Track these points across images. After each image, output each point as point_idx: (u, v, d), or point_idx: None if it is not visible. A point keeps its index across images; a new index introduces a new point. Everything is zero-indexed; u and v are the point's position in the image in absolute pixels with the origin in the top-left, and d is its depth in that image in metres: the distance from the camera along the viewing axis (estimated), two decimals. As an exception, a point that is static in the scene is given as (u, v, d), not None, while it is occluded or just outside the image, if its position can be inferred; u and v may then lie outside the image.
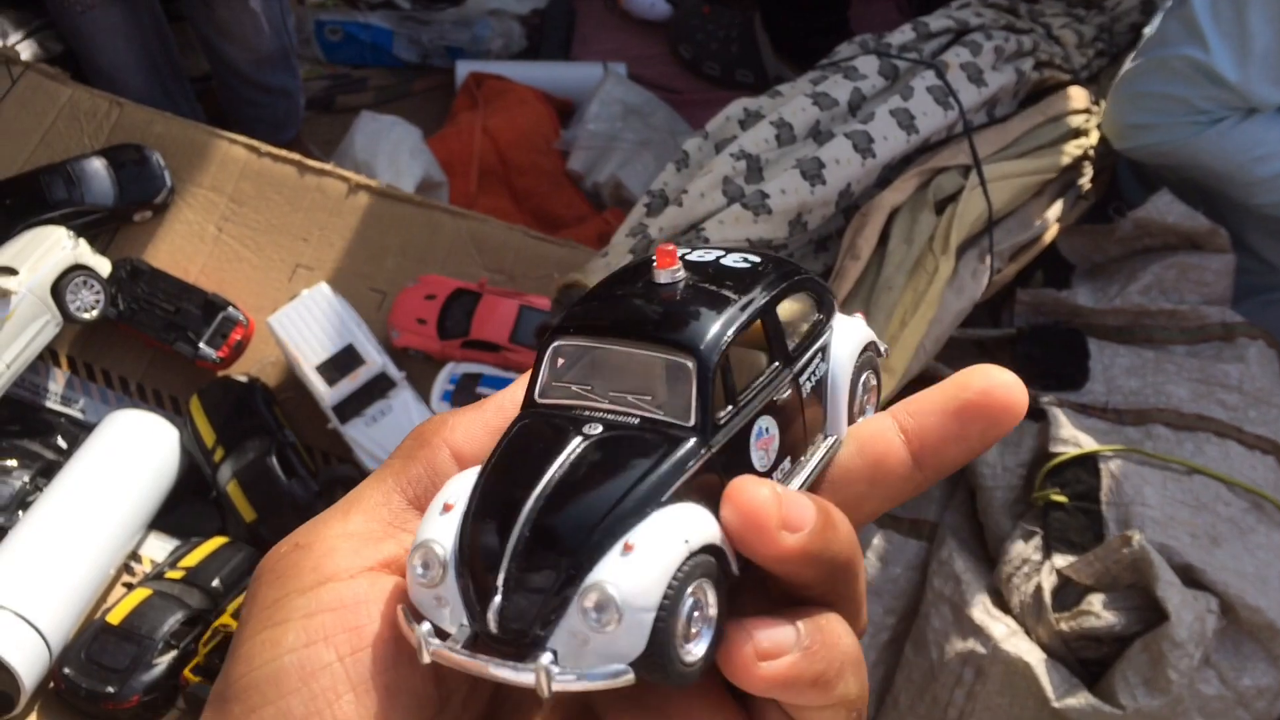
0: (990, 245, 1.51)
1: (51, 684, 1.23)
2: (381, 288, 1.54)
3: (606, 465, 0.33)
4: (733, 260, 0.39)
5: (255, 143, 1.62)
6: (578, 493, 0.33)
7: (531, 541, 0.32)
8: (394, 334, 1.50)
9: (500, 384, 1.45)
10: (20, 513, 1.33)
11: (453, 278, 1.52)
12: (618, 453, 0.34)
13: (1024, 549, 1.37)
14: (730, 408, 0.35)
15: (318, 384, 1.41)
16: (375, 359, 1.42)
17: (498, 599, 0.32)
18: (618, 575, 0.31)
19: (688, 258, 0.39)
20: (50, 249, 1.43)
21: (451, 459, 0.39)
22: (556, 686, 0.31)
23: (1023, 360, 1.56)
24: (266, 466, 1.39)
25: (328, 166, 1.61)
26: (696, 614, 0.32)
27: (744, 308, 0.36)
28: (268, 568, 0.37)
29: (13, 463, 1.39)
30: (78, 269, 1.44)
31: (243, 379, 1.46)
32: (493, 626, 0.32)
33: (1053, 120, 1.64)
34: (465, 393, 1.44)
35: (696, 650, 0.32)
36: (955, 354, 1.55)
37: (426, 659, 0.33)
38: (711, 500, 0.33)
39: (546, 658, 0.31)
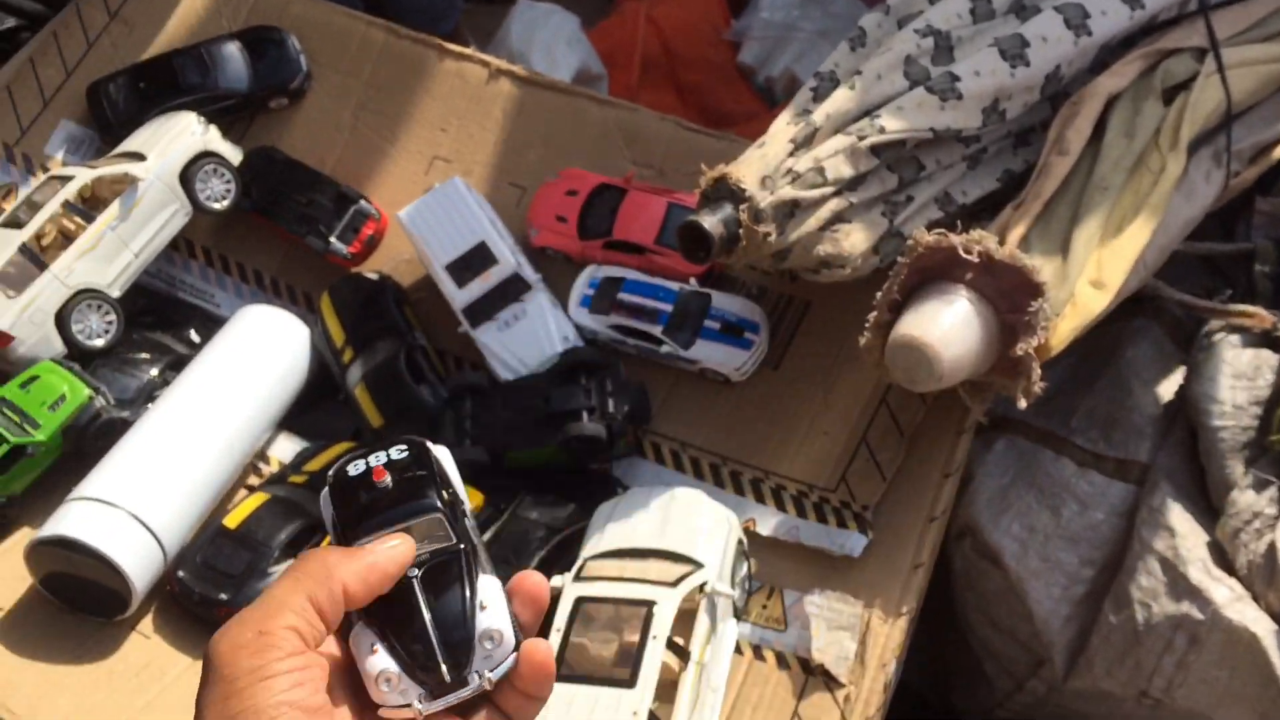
0: (1228, 143, 1.30)
1: (167, 586, 1.19)
2: (521, 182, 1.43)
3: (442, 581, 0.54)
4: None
5: (394, 24, 1.52)
6: (442, 602, 0.53)
7: (441, 635, 0.52)
8: (532, 232, 1.38)
9: (644, 290, 1.31)
10: (147, 406, 1.29)
11: (597, 172, 1.39)
12: (440, 573, 0.54)
13: (1256, 500, 1.18)
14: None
15: (448, 284, 1.32)
16: (509, 259, 1.31)
17: (443, 668, 0.52)
18: (491, 621, 0.53)
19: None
20: (179, 135, 1.37)
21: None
22: (488, 683, 0.52)
23: (1261, 280, 1.34)
24: (395, 370, 1.32)
25: (468, 51, 1.50)
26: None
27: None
28: (241, 646, 0.50)
29: (144, 355, 1.36)
30: (207, 156, 1.38)
31: (373, 276, 1.38)
32: (447, 678, 0.52)
33: (1311, -4, 1.38)
34: (605, 298, 1.31)
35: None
36: (1180, 271, 1.33)
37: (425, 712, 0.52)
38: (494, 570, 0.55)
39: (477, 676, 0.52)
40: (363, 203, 1.41)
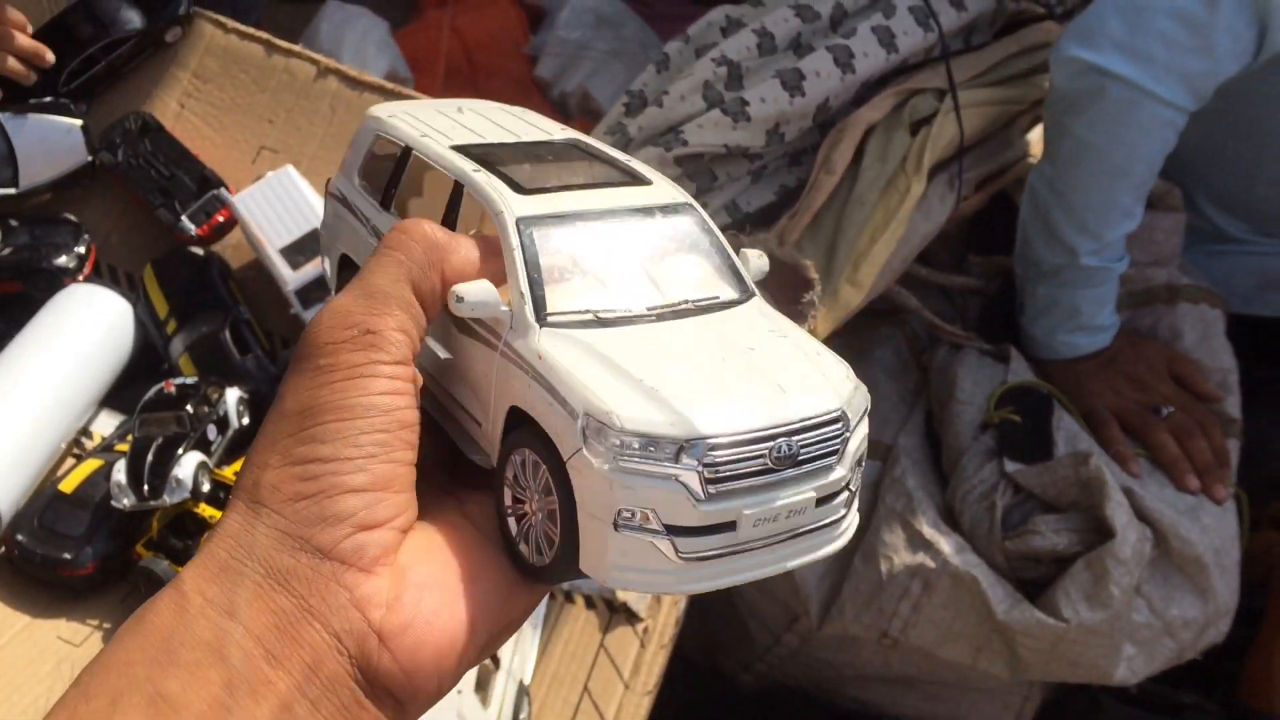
0: (960, 171, 1.53)
1: (3, 549, 1.21)
2: (348, 175, 1.51)
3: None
4: None
5: (221, 18, 1.57)
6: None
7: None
8: (360, 222, 1.47)
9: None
10: (-32, 379, 1.30)
11: (422, 169, 1.50)
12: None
13: (979, 469, 1.41)
14: None
15: (282, 267, 1.39)
16: (341, 245, 1.40)
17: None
18: None
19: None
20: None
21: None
22: None
23: (987, 314, 1.61)
24: (220, 341, 1.37)
25: (296, 48, 1.57)
26: None
27: None
28: (343, 341, 0.45)
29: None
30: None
31: (199, 251, 1.43)
32: None
33: (1027, 51, 1.66)
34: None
35: None
36: (921, 293, 1.58)
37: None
38: None
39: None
40: (223, 190, 1.45)
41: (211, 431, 1.27)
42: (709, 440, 0.40)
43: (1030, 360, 1.54)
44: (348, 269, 0.58)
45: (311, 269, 1.39)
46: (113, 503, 1.19)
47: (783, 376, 0.43)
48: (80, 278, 1.41)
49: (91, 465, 1.26)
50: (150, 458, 1.20)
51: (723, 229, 1.46)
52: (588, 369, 0.42)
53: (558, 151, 0.52)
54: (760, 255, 0.52)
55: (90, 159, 1.45)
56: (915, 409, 1.59)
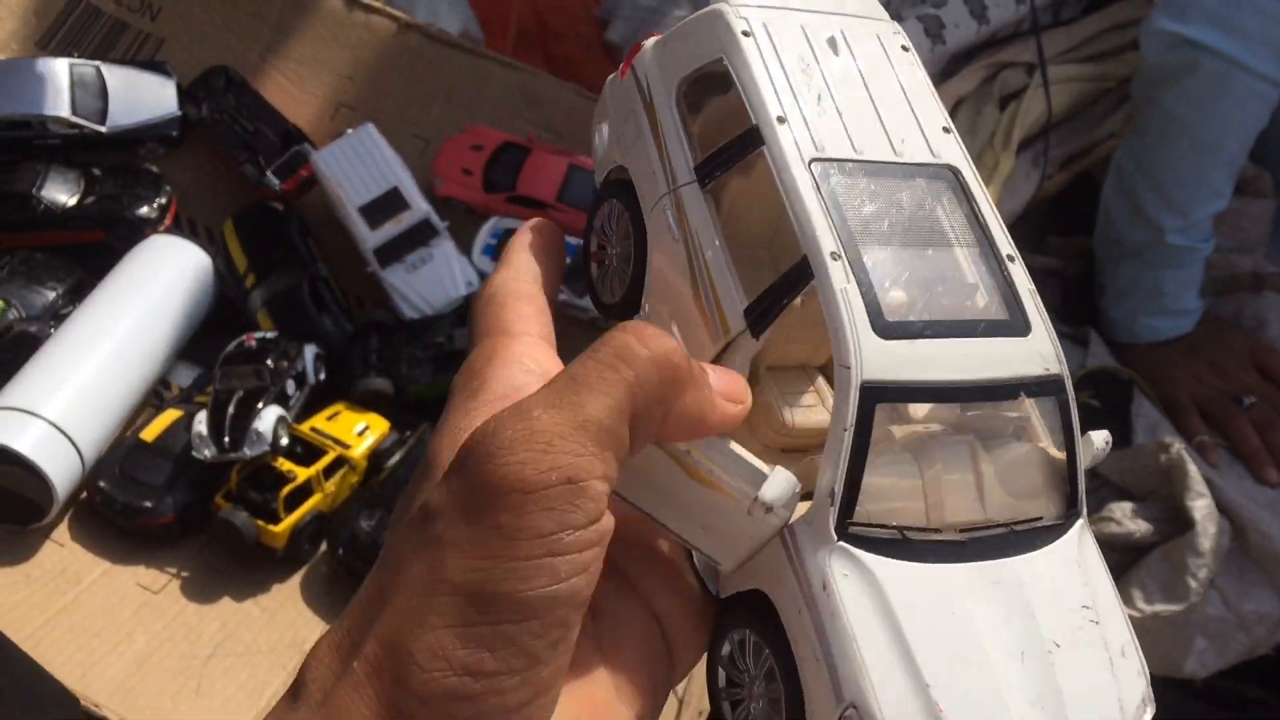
0: (1046, 149, 1.50)
1: (85, 495, 1.22)
2: (425, 134, 1.51)
3: None
4: None
5: (303, -29, 1.56)
6: None
7: None
8: (436, 182, 1.47)
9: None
10: (53, 325, 1.31)
11: (498, 130, 1.49)
12: None
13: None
14: None
15: (360, 225, 1.39)
16: (420, 205, 1.40)
17: None
18: None
19: None
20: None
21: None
22: None
23: (1067, 296, 1.58)
24: (298, 297, 1.38)
25: (377, 4, 1.56)
26: None
27: None
28: (537, 491, 0.35)
29: (49, 274, 1.37)
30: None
31: (278, 207, 1.43)
32: None
33: (1118, 28, 1.62)
34: (507, 248, 1.42)
35: None
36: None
37: None
38: None
39: None
40: (306, 145, 1.44)
41: (290, 386, 1.28)
42: None
43: (1110, 345, 1.51)
44: (614, 192, 0.47)
45: (390, 228, 1.39)
46: (193, 453, 1.20)
47: (1076, 712, 0.36)
48: (161, 229, 1.42)
49: (172, 415, 1.27)
50: (231, 410, 1.21)
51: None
52: (874, 643, 0.36)
53: (934, 204, 0.41)
54: (1108, 443, 0.42)
55: (179, 112, 1.46)
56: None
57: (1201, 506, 1.29)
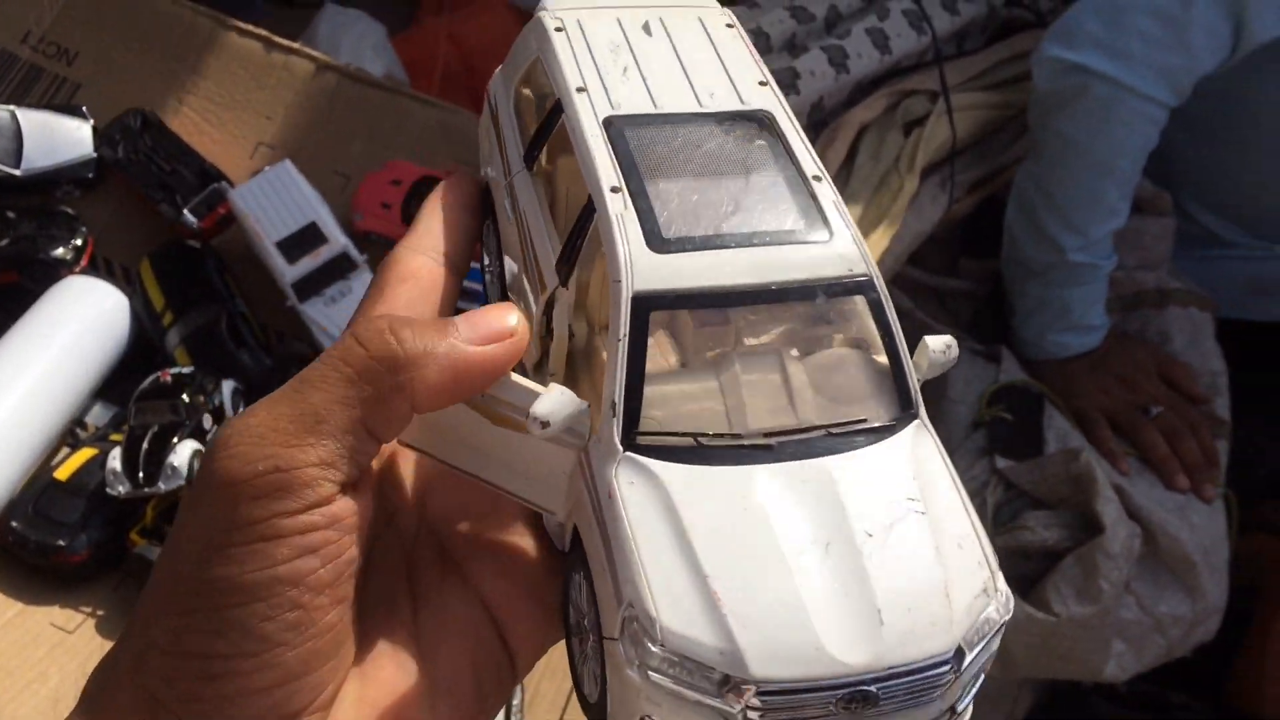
0: (952, 173, 1.54)
1: (-4, 537, 1.21)
2: (346, 171, 1.53)
3: None
4: None
5: (220, 14, 1.58)
6: None
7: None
8: (357, 217, 1.48)
9: (462, 273, 1.44)
10: (-37, 368, 1.30)
11: (419, 165, 1.51)
12: None
13: (970, 466, 1.42)
14: None
15: (278, 260, 1.40)
16: (339, 238, 1.41)
17: None
18: None
19: None
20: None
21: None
22: None
23: (979, 317, 1.63)
24: (216, 333, 1.38)
25: (295, 45, 1.58)
26: None
27: None
28: (243, 481, 0.36)
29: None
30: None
31: (195, 244, 1.44)
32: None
33: (1019, 57, 1.67)
34: (427, 279, 1.43)
35: None
36: (914, 296, 1.59)
37: None
38: None
39: None
40: (224, 183, 1.45)
41: (207, 421, 1.27)
42: (760, 682, 0.34)
43: (1022, 361, 1.55)
44: (487, 210, 0.49)
45: (308, 262, 1.40)
46: (108, 490, 1.19)
47: (888, 597, 0.35)
48: (77, 270, 1.42)
49: (86, 453, 1.26)
50: (146, 445, 1.21)
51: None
52: (653, 542, 0.35)
53: (737, 142, 0.42)
54: (949, 346, 0.43)
55: (95, 154, 1.46)
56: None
57: (1111, 511, 1.32)
